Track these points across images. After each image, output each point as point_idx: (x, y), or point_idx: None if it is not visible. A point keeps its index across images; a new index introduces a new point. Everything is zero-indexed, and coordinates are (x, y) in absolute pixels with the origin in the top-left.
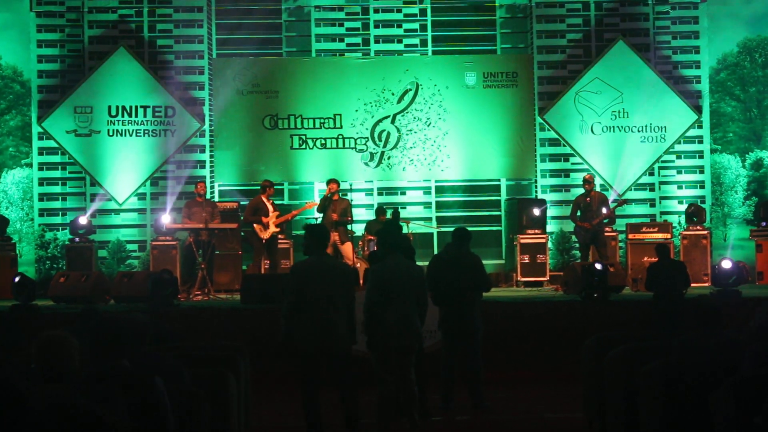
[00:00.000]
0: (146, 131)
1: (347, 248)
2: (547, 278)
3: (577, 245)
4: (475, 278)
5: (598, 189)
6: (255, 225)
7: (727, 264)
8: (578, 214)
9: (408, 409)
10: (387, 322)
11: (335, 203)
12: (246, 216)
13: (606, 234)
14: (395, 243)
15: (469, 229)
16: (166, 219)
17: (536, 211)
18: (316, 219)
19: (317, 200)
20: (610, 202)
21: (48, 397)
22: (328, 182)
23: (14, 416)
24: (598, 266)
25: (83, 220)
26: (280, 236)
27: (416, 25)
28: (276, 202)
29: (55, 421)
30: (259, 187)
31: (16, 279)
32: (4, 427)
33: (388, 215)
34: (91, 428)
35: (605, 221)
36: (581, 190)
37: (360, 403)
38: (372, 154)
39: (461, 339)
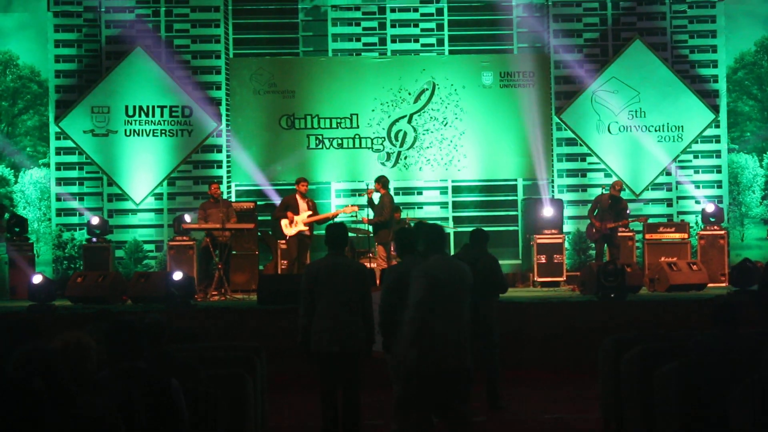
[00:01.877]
0: (163, 131)
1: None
2: (563, 278)
3: (593, 245)
4: (491, 280)
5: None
6: (281, 221)
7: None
8: (596, 213)
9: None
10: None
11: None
12: (276, 212)
13: (620, 234)
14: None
15: (486, 229)
16: (187, 218)
17: (549, 212)
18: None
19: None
20: (628, 212)
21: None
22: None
23: (32, 417)
24: (614, 267)
25: (95, 221)
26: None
27: (433, 25)
28: None
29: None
30: (274, 187)
31: (35, 279)
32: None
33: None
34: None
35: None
36: (598, 190)
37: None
38: (389, 154)
39: (478, 340)
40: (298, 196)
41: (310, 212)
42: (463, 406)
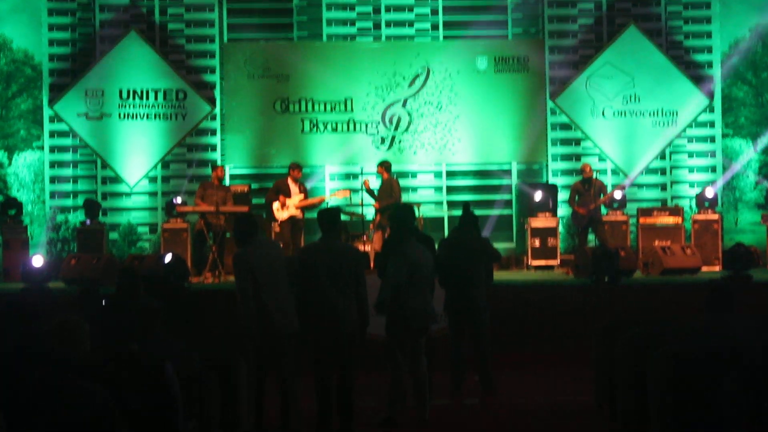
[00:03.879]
0: (157, 115)
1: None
2: (557, 262)
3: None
4: (481, 257)
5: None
6: (273, 204)
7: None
8: (576, 199)
9: (420, 392)
10: (409, 305)
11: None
12: (267, 195)
13: (614, 219)
14: (411, 228)
15: (480, 213)
16: (178, 200)
17: (538, 196)
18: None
19: (345, 189)
20: (609, 188)
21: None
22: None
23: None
24: (608, 250)
25: (89, 203)
26: None
27: (427, 10)
28: None
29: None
30: (268, 171)
31: (35, 261)
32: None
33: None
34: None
35: (615, 205)
36: (593, 175)
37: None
38: (383, 138)
39: (468, 320)
40: (290, 180)
41: (302, 196)
42: (422, 355)
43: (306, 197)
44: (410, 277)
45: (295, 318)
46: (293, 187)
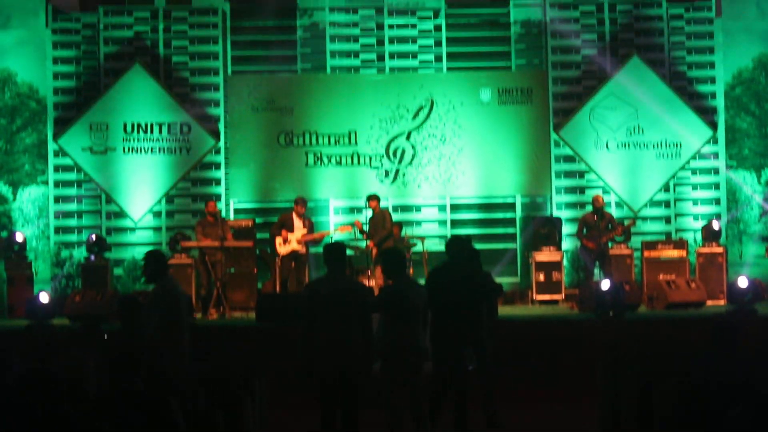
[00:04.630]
0: (161, 149)
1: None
2: (562, 296)
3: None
4: (489, 287)
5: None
6: (276, 239)
7: (743, 282)
8: (584, 232)
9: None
10: (399, 341)
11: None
12: (272, 229)
13: (618, 252)
14: (401, 267)
15: (484, 246)
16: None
17: (546, 229)
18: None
19: (347, 224)
20: (617, 220)
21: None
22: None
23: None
24: (613, 285)
25: (94, 238)
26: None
27: (431, 41)
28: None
29: None
30: (272, 205)
31: (42, 297)
32: None
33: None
34: None
35: (619, 239)
36: None
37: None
38: (387, 171)
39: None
40: (294, 215)
41: (305, 231)
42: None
43: (309, 232)
44: (399, 313)
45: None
46: (297, 222)
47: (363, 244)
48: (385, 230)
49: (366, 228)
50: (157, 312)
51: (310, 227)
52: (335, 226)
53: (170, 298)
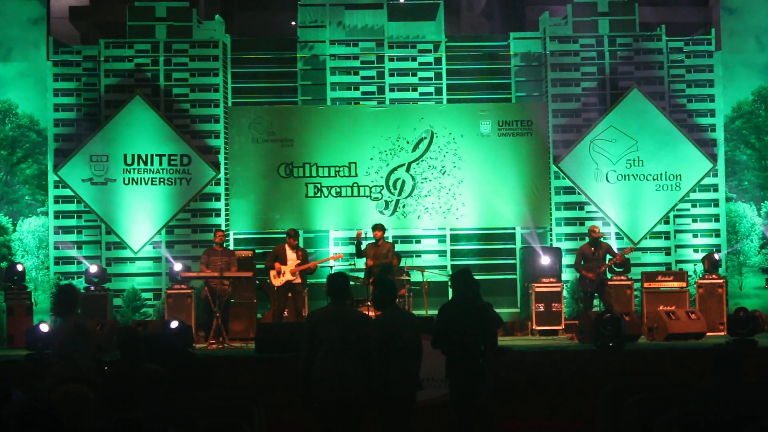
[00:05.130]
0: (162, 180)
1: None
2: (562, 327)
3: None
4: (491, 316)
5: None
6: (270, 272)
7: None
8: (582, 263)
9: None
10: (390, 372)
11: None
12: (266, 262)
13: (619, 283)
14: (391, 298)
15: (485, 277)
16: (178, 267)
17: (545, 260)
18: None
19: (339, 254)
20: (615, 249)
21: None
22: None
23: None
24: (613, 315)
25: (93, 269)
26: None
27: (431, 74)
28: None
29: None
30: (273, 235)
31: (42, 327)
32: None
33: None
34: None
35: (618, 269)
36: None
37: None
38: (387, 203)
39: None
40: (287, 247)
41: (299, 261)
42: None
43: (303, 262)
44: (389, 344)
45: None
46: (290, 254)
47: (362, 274)
48: (387, 260)
49: (363, 246)
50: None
51: (304, 257)
52: (325, 255)
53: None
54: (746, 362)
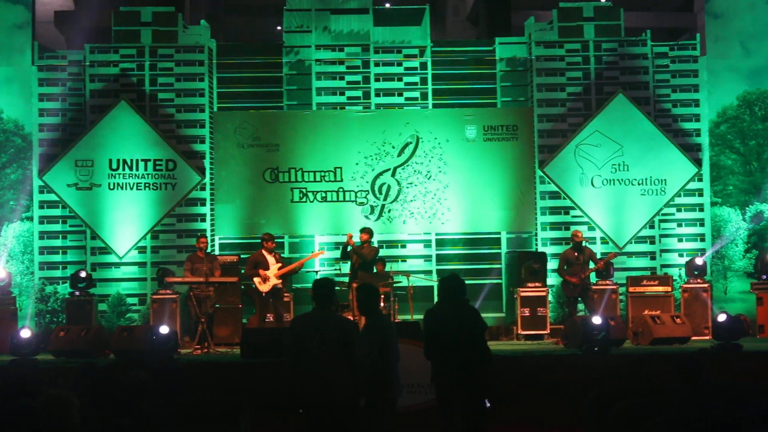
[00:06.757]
0: (147, 185)
1: None
2: (547, 331)
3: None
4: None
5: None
6: (254, 279)
7: (723, 317)
8: (565, 268)
9: None
10: (372, 373)
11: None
12: (246, 270)
13: (603, 287)
14: (375, 303)
15: (470, 282)
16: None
17: (531, 265)
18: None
19: (319, 250)
20: (599, 255)
21: None
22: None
23: None
24: (598, 320)
25: (83, 274)
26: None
27: (417, 79)
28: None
29: None
30: (258, 241)
31: (23, 333)
32: None
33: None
34: None
35: (602, 273)
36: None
37: None
38: (372, 207)
39: (461, 391)
40: (264, 252)
41: (280, 264)
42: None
43: (284, 265)
44: (373, 347)
45: None
46: (269, 258)
47: (347, 279)
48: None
49: (350, 248)
50: None
51: (281, 260)
52: (305, 254)
53: None
54: (731, 366)
